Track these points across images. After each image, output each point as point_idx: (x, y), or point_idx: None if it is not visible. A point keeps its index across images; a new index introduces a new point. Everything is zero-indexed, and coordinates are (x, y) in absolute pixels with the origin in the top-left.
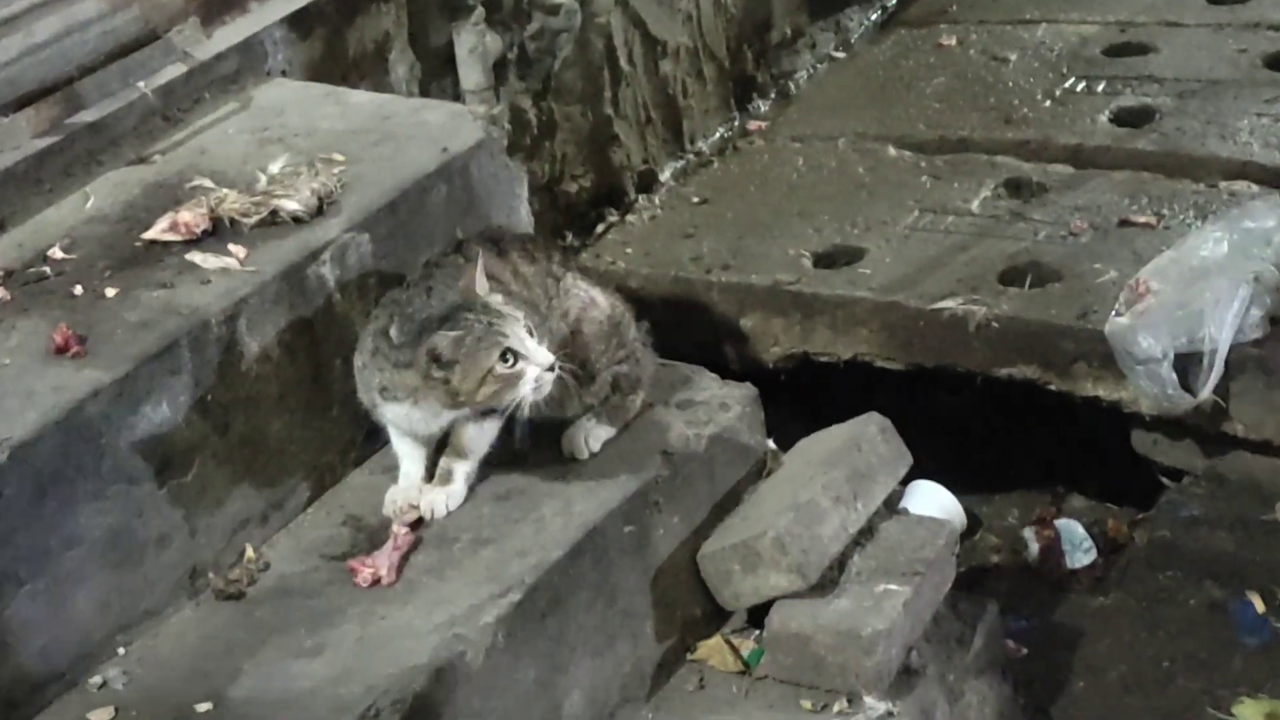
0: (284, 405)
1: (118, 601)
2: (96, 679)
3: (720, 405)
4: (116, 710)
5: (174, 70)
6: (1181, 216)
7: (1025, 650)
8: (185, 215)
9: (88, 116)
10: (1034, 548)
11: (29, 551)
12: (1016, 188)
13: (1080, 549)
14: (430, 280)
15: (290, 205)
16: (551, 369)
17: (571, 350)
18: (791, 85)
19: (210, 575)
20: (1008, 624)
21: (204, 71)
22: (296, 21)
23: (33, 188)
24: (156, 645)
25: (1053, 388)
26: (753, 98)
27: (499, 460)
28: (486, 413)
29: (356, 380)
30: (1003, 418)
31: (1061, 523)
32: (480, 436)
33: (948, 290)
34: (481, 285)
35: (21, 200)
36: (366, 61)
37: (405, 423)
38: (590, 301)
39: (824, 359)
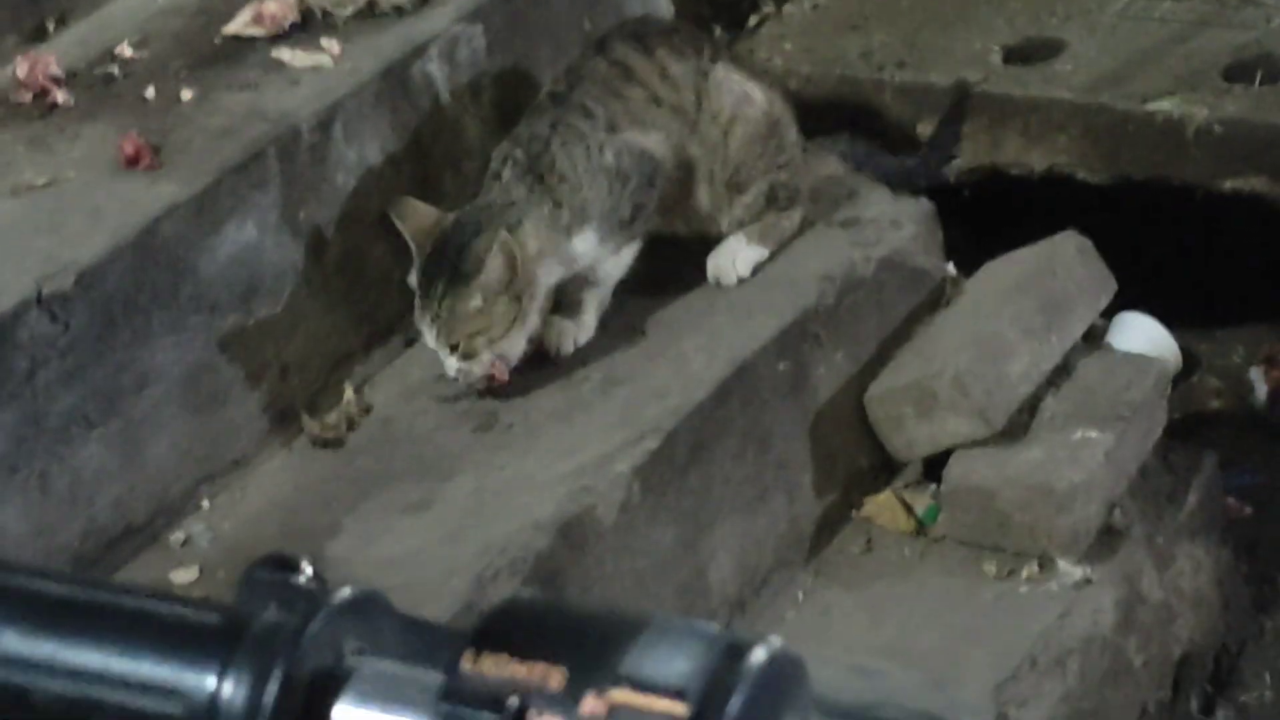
0: (386, 226)
1: (200, 448)
2: (179, 534)
3: (891, 223)
4: (201, 570)
5: None
6: None
7: (1249, 509)
8: (271, 6)
9: None
10: (1261, 390)
11: (99, 390)
12: None
13: None
14: (566, 103)
15: None
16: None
17: (723, 154)
18: None
19: (305, 419)
20: (1229, 479)
21: None
22: None
23: None
24: (245, 498)
25: None
26: None
27: (635, 289)
28: (628, 239)
29: None
30: (1226, 240)
31: None
32: (617, 264)
33: (1163, 89)
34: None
35: None
36: None
37: None
38: (744, 97)
39: (1015, 171)
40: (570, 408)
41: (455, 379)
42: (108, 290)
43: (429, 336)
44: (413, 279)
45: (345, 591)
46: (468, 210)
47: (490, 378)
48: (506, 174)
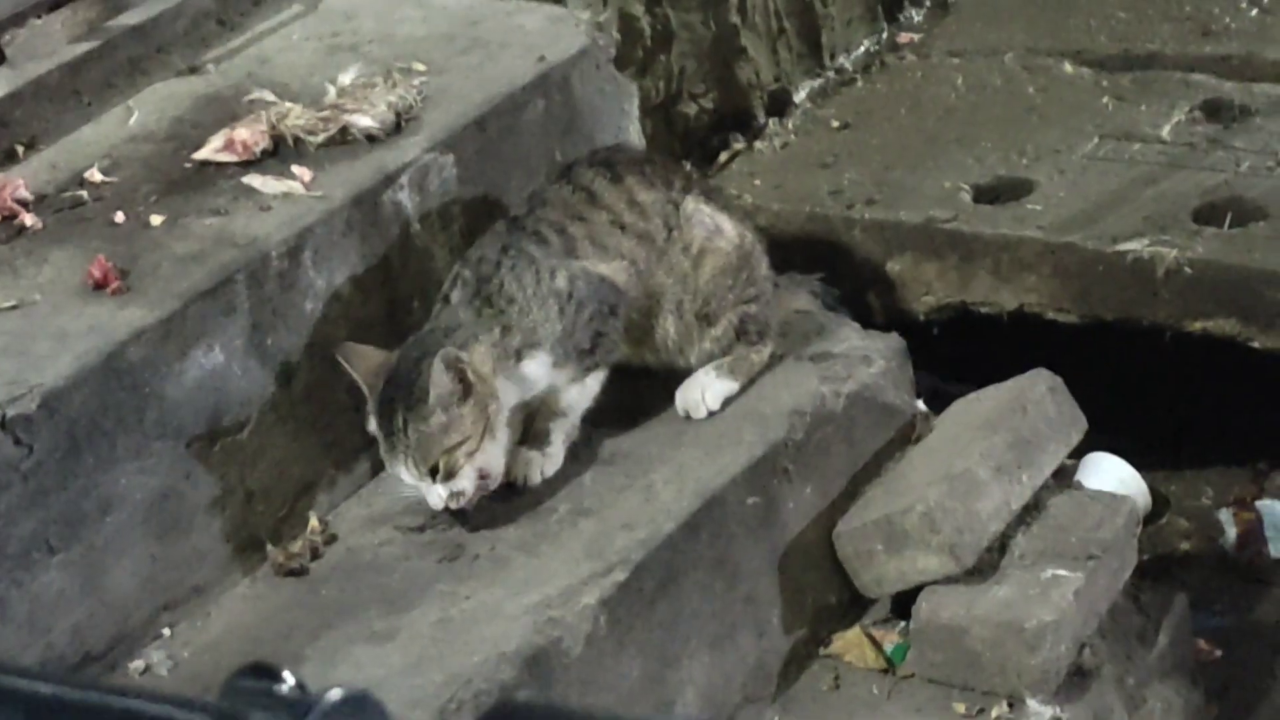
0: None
1: (162, 575)
2: (138, 663)
3: (862, 359)
4: None
5: None
6: None
7: (1219, 651)
8: (242, 133)
9: (131, 19)
10: (1231, 533)
11: (61, 516)
12: (1215, 111)
13: None
14: (520, 228)
15: (363, 121)
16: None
17: (693, 286)
18: None
19: (268, 548)
20: (1199, 620)
21: None
22: None
23: (69, 100)
24: (206, 626)
25: (1255, 345)
26: (904, 5)
27: (603, 420)
28: (589, 368)
29: None
30: (1196, 381)
31: (1264, 504)
32: (582, 393)
33: (1132, 230)
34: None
35: (55, 115)
36: None
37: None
38: (716, 229)
39: (985, 310)
40: (537, 539)
41: (446, 508)
42: (72, 414)
43: (406, 473)
44: (372, 424)
45: (335, 694)
46: (412, 340)
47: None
48: (455, 296)
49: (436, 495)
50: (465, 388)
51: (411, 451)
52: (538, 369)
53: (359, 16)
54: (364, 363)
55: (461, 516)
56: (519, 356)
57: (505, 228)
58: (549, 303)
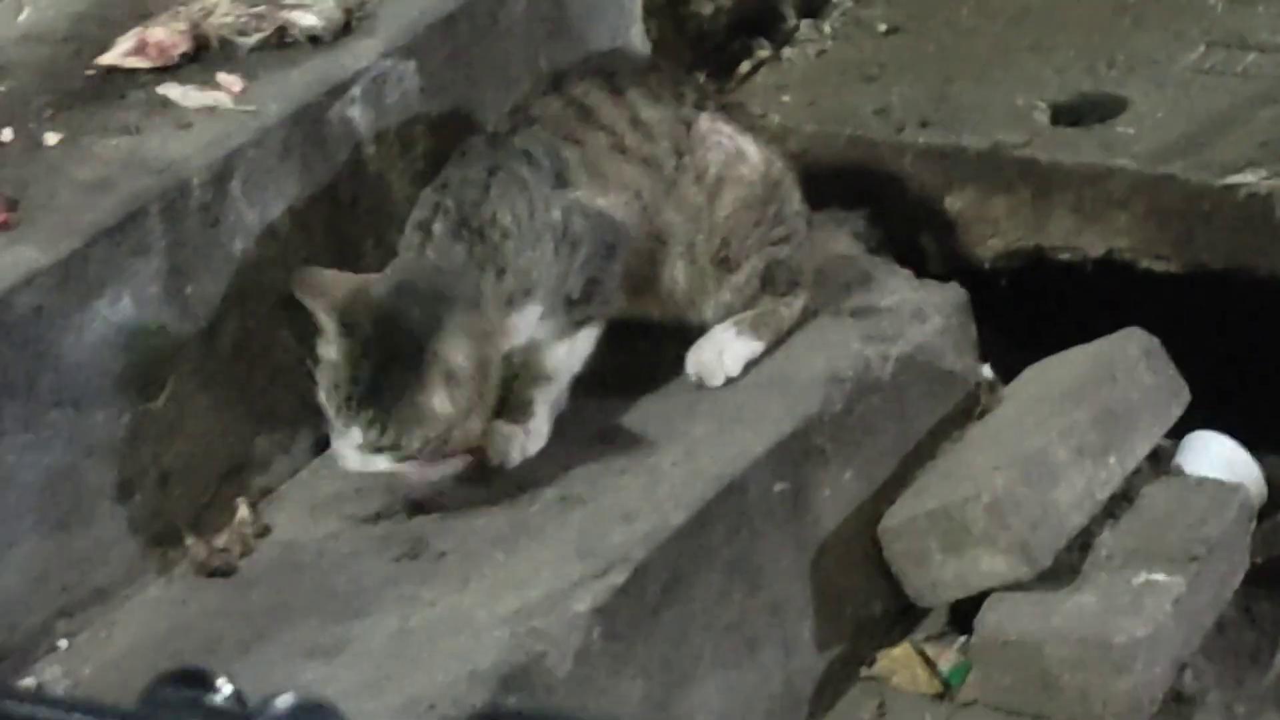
0: (294, 303)
1: (58, 575)
2: (29, 680)
3: (914, 314)
4: None
5: None
6: None
7: None
8: (157, 32)
9: None
10: None
11: None
12: None
13: None
14: (507, 146)
15: (305, 20)
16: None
17: (708, 223)
18: None
19: (189, 541)
20: None
21: None
22: None
23: None
24: (112, 637)
25: None
26: None
27: (597, 387)
28: (580, 321)
29: None
30: None
31: None
32: (572, 353)
33: (1246, 159)
34: None
35: None
36: None
37: None
38: (736, 154)
39: (1064, 256)
40: (516, 533)
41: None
42: None
43: (356, 439)
44: (328, 371)
45: (285, 700)
46: (400, 277)
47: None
48: (438, 228)
49: (378, 464)
50: (480, 360)
51: (382, 426)
52: (525, 321)
53: None
54: (329, 293)
55: (424, 504)
56: (509, 305)
57: (486, 145)
58: (544, 239)
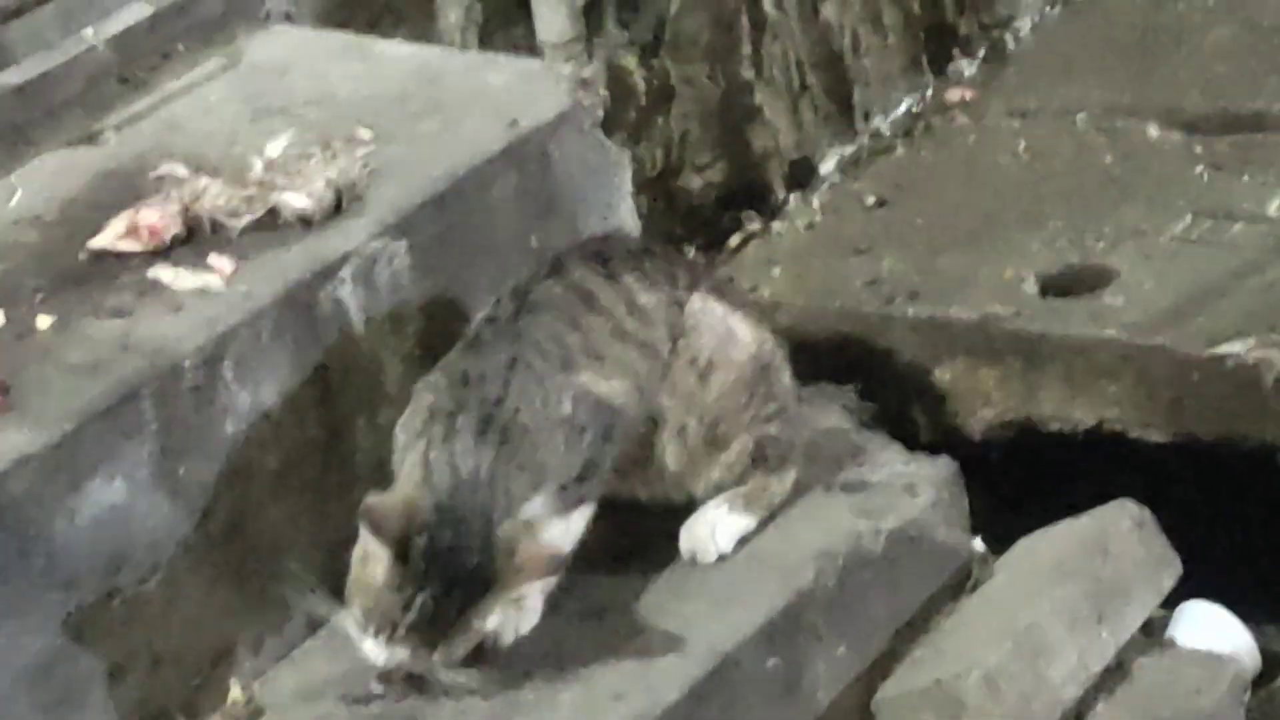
0: (286, 484)
1: None
2: None
3: (906, 488)
4: None
5: (135, 11)
6: None
7: None
8: (149, 215)
9: (13, 78)
10: None
11: None
12: None
13: None
14: (518, 336)
15: (296, 201)
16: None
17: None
18: (1009, 37)
19: None
20: None
21: (177, 14)
22: None
23: None
24: None
25: None
26: (954, 55)
27: (589, 564)
28: (575, 501)
29: (394, 456)
30: None
31: None
32: (566, 532)
33: (1233, 329)
34: None
35: None
36: (405, 1)
37: None
38: (727, 336)
39: (1055, 426)
40: (508, 712)
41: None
42: None
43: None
44: (370, 593)
45: None
46: (438, 498)
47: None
48: (462, 424)
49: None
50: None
51: (441, 650)
52: (532, 511)
53: (291, 73)
54: (391, 523)
55: (416, 683)
56: (522, 499)
57: (497, 335)
58: (556, 433)
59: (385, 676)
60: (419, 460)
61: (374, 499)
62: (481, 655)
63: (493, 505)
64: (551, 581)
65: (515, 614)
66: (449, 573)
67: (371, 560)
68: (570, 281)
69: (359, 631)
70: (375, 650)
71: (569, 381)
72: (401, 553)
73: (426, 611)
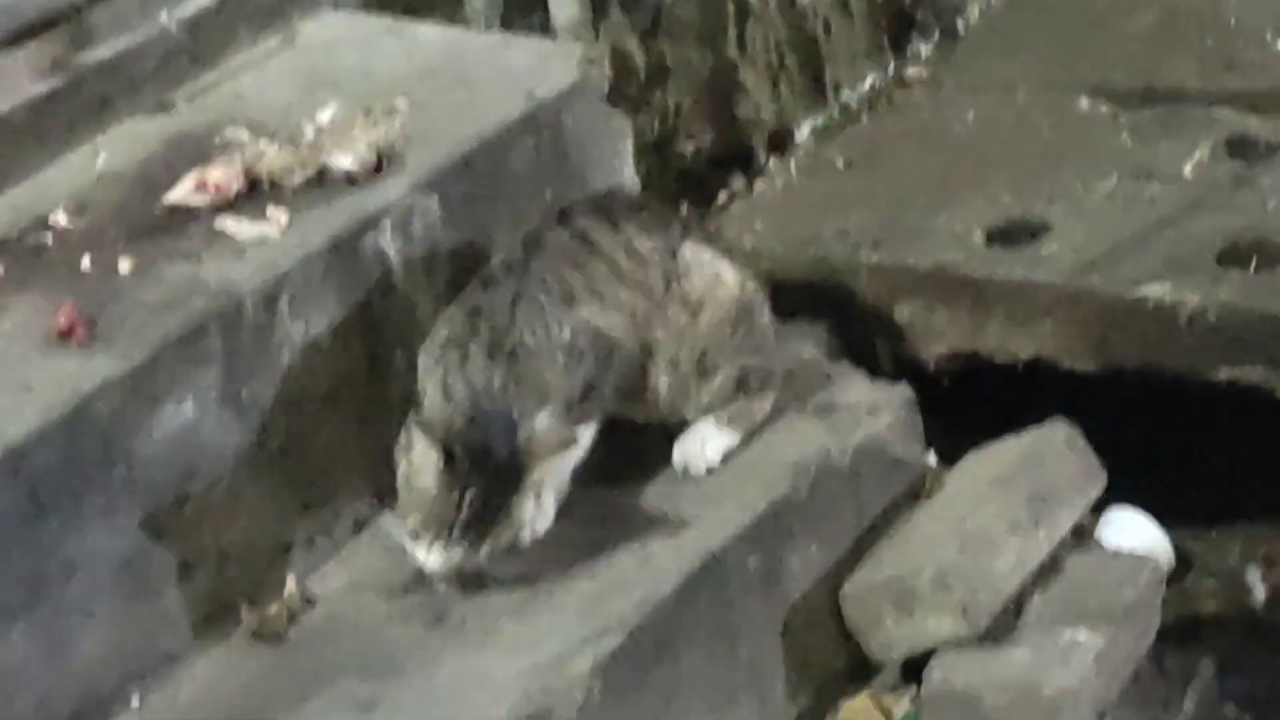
0: (334, 406)
1: (131, 641)
2: None
3: (869, 410)
4: None
5: None
6: None
7: (1248, 718)
8: (215, 174)
9: (98, 54)
10: (1260, 591)
11: (24, 578)
12: (1240, 148)
13: None
14: (525, 274)
15: (342, 162)
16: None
17: (690, 339)
18: (960, 21)
19: (244, 612)
20: (1226, 685)
21: (240, 1)
22: None
23: (32, 140)
24: (178, 695)
25: None
26: (911, 37)
27: (595, 476)
28: (578, 419)
29: (419, 381)
30: (1222, 432)
31: None
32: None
33: (1153, 273)
34: None
35: (18, 155)
36: None
37: None
38: (715, 278)
39: (998, 359)
40: (526, 602)
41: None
42: (36, 470)
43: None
44: (425, 501)
45: None
46: (469, 410)
47: None
48: (474, 350)
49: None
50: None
51: (489, 542)
52: (541, 422)
53: (339, 51)
54: (432, 431)
55: (461, 580)
56: (528, 415)
57: (506, 273)
58: (558, 357)
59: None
60: (438, 383)
61: (421, 415)
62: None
63: (509, 411)
64: (565, 480)
65: (536, 512)
66: (487, 468)
67: (421, 473)
68: (576, 229)
69: (414, 542)
70: (434, 556)
71: (570, 315)
72: (449, 456)
73: (476, 507)
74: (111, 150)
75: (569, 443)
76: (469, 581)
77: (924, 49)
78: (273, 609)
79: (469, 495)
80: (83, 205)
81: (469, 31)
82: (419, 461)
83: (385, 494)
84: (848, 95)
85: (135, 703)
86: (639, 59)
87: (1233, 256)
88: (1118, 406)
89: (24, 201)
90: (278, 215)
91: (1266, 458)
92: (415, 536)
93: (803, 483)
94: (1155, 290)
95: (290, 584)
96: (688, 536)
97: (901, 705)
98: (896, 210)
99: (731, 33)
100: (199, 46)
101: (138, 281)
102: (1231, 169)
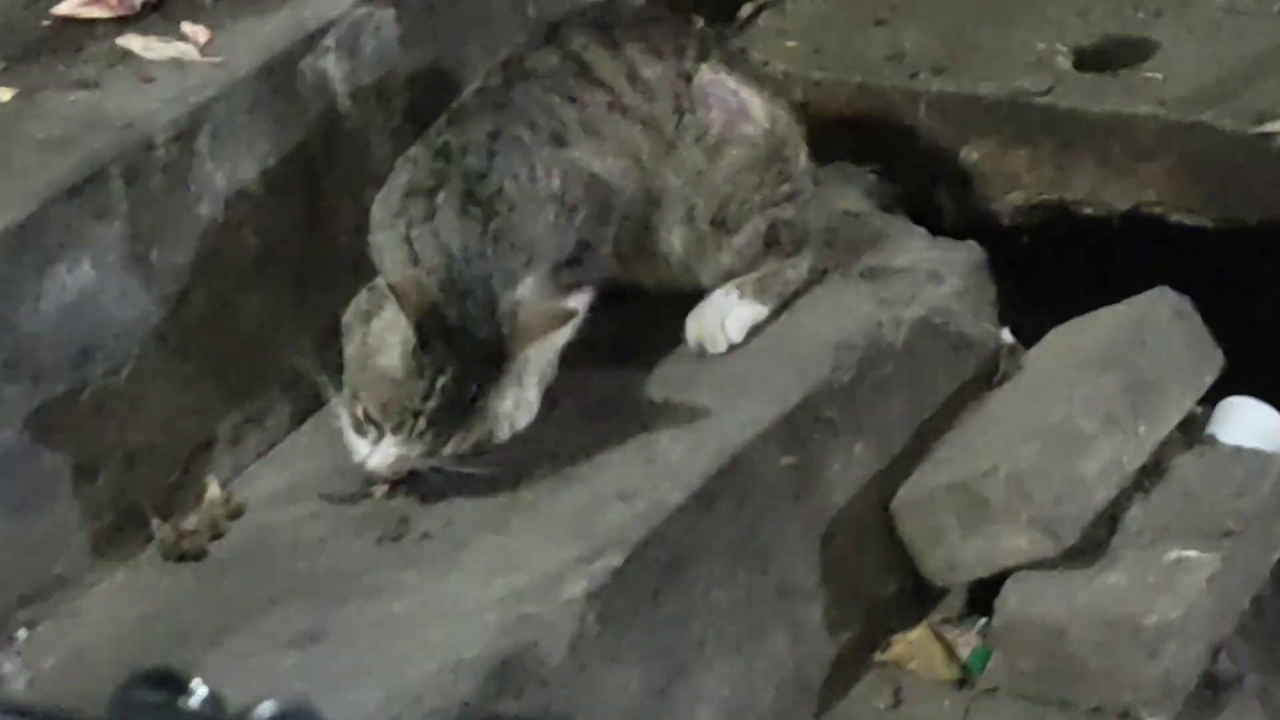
0: (266, 270)
1: (16, 561)
2: None
3: (929, 275)
4: None
5: None
6: None
7: None
8: None
9: None
10: None
11: None
12: None
13: None
14: (506, 106)
15: None
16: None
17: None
18: None
19: (155, 524)
20: None
21: None
22: None
23: None
24: (74, 627)
25: None
26: None
27: (591, 356)
28: (571, 285)
29: (370, 237)
30: None
31: None
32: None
33: None
34: None
35: None
36: None
37: None
38: (739, 110)
39: (1089, 211)
40: (505, 513)
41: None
42: None
43: (403, 445)
44: (380, 383)
45: (267, 708)
46: (439, 271)
47: None
48: (443, 199)
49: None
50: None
51: (457, 437)
52: (524, 293)
53: None
54: (419, 296)
55: (413, 482)
56: (512, 280)
57: (482, 105)
58: (545, 209)
59: (377, 478)
60: (399, 240)
61: (409, 278)
62: (473, 451)
63: (490, 278)
64: (554, 361)
65: (518, 401)
66: (465, 350)
67: (383, 349)
68: (568, 50)
69: (359, 433)
70: (381, 451)
71: (559, 157)
72: (422, 334)
73: (449, 395)
74: None
75: (564, 316)
76: (440, 483)
77: None
78: (191, 520)
79: (441, 382)
80: None
81: None
82: (383, 335)
83: (330, 377)
84: None
85: (22, 635)
86: None
87: None
88: (1238, 272)
89: None
90: (195, 32)
91: None
92: (363, 426)
93: (847, 366)
94: None
95: (213, 490)
96: (705, 432)
97: (967, 640)
98: (963, 25)
99: None
100: None
101: (21, 114)
102: None
